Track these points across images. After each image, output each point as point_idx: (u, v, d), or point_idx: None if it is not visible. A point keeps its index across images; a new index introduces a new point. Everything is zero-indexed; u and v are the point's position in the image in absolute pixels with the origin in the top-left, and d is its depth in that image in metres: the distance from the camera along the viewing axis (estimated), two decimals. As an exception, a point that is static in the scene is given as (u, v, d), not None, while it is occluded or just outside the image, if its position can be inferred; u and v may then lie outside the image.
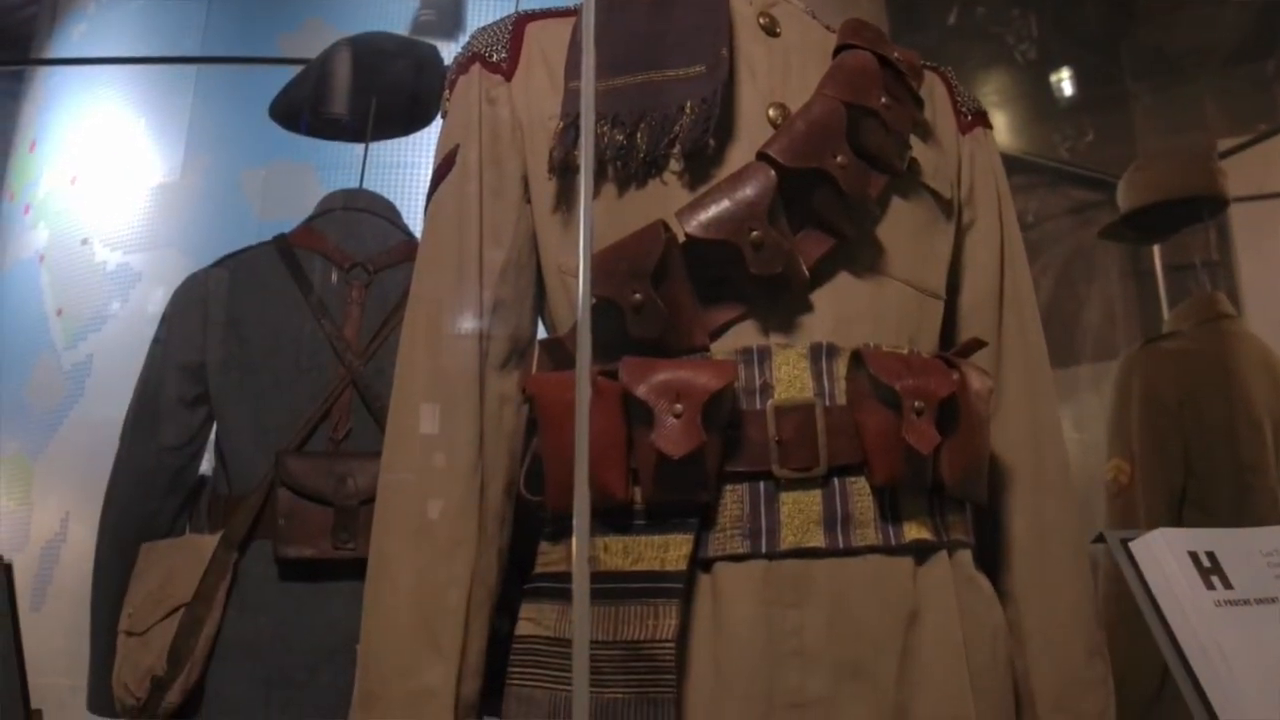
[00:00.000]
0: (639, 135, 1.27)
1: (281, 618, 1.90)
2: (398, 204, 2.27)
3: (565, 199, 1.33)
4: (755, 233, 1.21)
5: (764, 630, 1.17)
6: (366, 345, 2.01)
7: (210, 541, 1.93)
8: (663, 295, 1.20)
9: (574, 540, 0.93)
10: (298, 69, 2.35)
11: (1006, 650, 1.32)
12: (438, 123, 2.31)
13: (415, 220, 2.22)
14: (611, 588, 1.17)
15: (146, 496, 2.11)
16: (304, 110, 2.30)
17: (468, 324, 1.32)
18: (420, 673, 1.25)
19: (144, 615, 1.92)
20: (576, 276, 1.26)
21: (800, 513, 1.19)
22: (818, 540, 1.18)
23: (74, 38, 4.81)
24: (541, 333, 1.40)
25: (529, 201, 1.36)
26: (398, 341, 1.89)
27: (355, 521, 1.88)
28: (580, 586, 0.90)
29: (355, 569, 1.83)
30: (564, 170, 1.32)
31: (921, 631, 1.21)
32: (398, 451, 1.33)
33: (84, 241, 4.25)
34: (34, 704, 1.85)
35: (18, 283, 4.49)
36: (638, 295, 1.20)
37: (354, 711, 1.29)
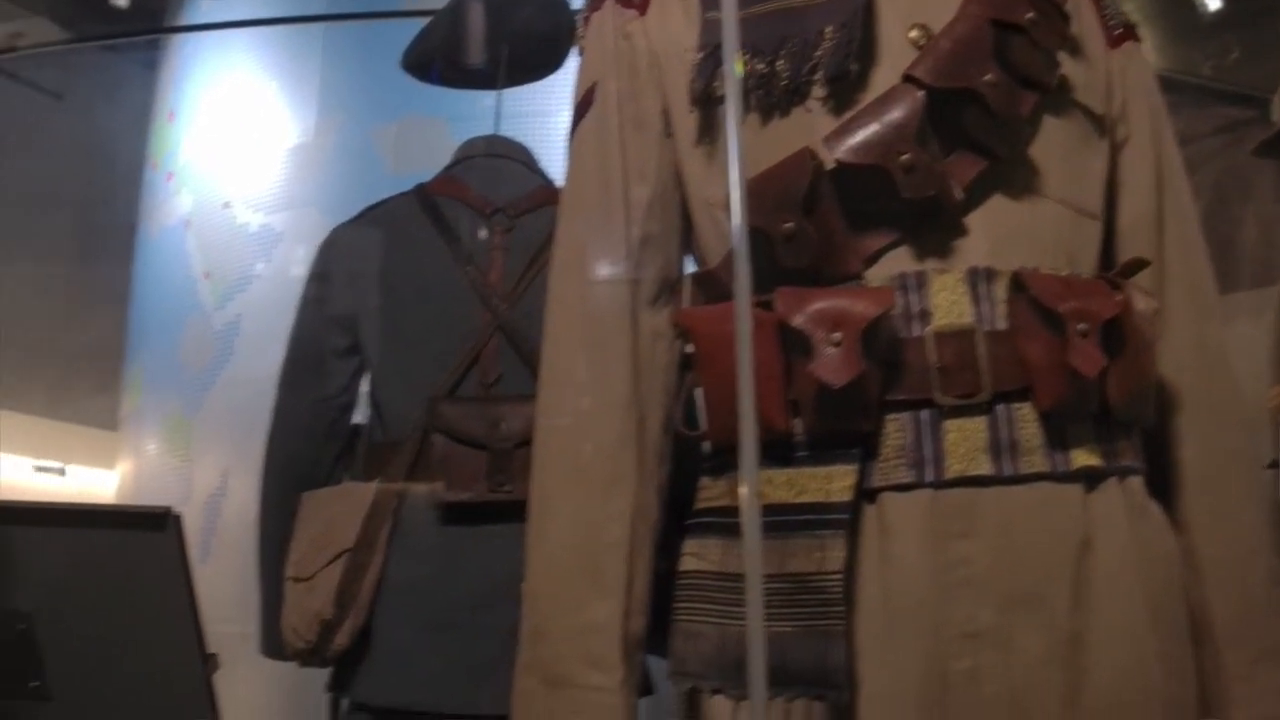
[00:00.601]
0: (780, 63, 1.25)
1: (442, 561, 1.93)
2: (533, 151, 2.28)
3: (707, 131, 1.32)
4: (905, 156, 1.18)
5: (932, 560, 1.15)
6: (512, 290, 2.02)
7: (369, 488, 1.97)
8: (813, 223, 1.19)
9: (742, 473, 0.92)
10: (425, 21, 2.35)
11: (1181, 579, 1.29)
12: (569, 67, 2.32)
13: (551, 166, 2.22)
14: (777, 520, 1.16)
15: (305, 447, 2.16)
16: (436, 60, 2.30)
17: (616, 261, 1.32)
18: (586, 608, 1.26)
19: (309, 561, 1.96)
20: (724, 209, 1.25)
21: (965, 440, 1.17)
22: (984, 468, 1.16)
23: (203, 5, 4.90)
24: (690, 268, 1.39)
25: (670, 135, 1.35)
26: (543, 286, 1.90)
27: (511, 464, 1.89)
28: (751, 519, 0.89)
29: (512, 511, 1.85)
30: (705, 102, 1.30)
31: (1093, 560, 1.18)
32: (553, 392, 1.34)
33: (226, 205, 4.35)
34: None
35: (166, 248, 4.62)
36: (788, 224, 1.18)
37: (522, 648, 1.31)
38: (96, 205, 5.89)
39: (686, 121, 1.33)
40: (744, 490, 0.90)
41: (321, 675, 2.05)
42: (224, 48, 4.73)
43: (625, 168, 1.34)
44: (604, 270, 1.32)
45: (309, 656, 1.97)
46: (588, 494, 1.28)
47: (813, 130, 1.23)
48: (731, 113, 1.01)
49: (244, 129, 4.47)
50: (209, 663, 1.93)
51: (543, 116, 2.93)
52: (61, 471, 6.86)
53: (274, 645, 2.10)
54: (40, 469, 6.69)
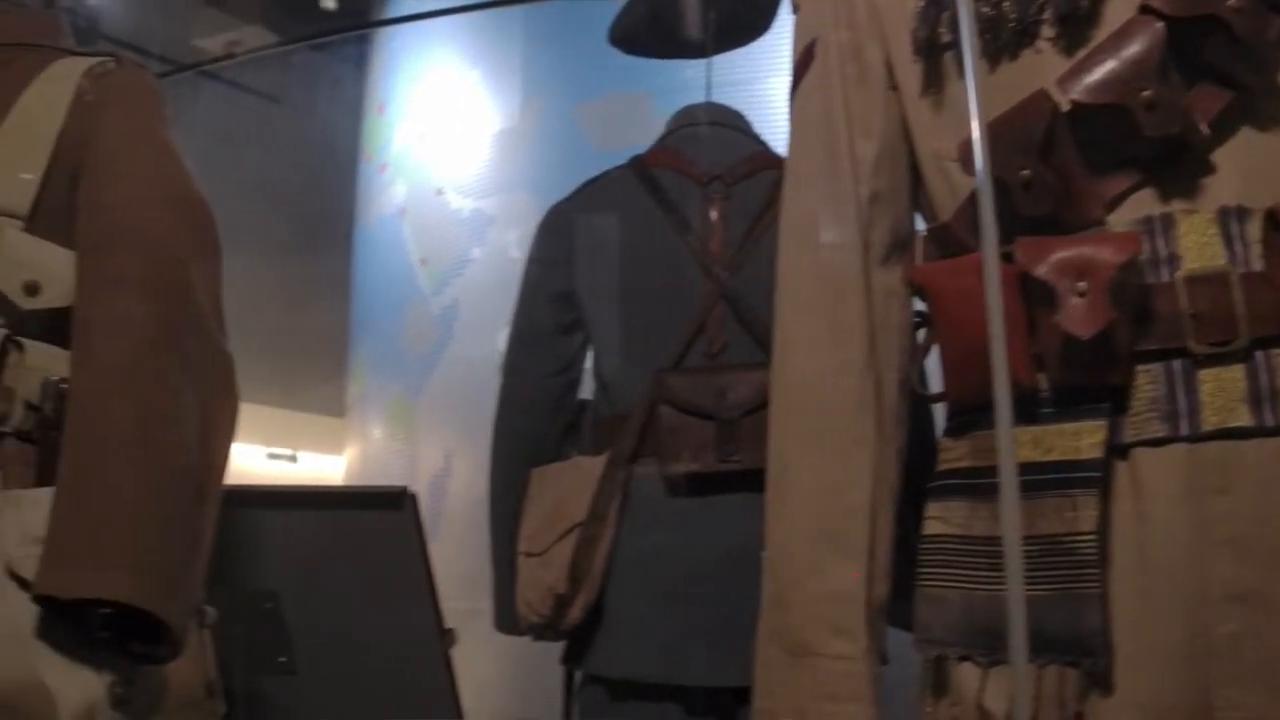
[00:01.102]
0: (1006, 4, 1.20)
1: (672, 533, 1.93)
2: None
3: (933, 80, 1.28)
4: (1146, 92, 1.12)
5: (1190, 518, 1.09)
6: (733, 258, 2.00)
7: (598, 463, 1.98)
8: (1052, 168, 1.14)
9: (997, 431, 0.89)
10: (623, -2, 2.35)
11: None
12: (776, 31, 2.29)
13: (761, 132, 2.20)
14: (1024, 480, 1.11)
15: (533, 424, 2.18)
16: (643, 31, 2.30)
17: (846, 221, 1.29)
18: (828, 575, 1.24)
19: (541, 536, 1.99)
20: (954, 160, 1.21)
21: (1223, 391, 1.10)
22: (1244, 419, 1.10)
23: (405, 0, 5.02)
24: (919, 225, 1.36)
25: (894, 88, 1.31)
26: (764, 252, 1.88)
27: (738, 434, 1.88)
28: (1007, 479, 0.85)
29: (741, 481, 1.86)
30: (929, 50, 1.27)
31: None
32: (788, 355, 1.32)
33: (438, 192, 4.45)
34: (442, 625, 1.96)
35: (383, 237, 4.76)
36: (1025, 171, 1.13)
37: (764, 616, 1.29)
38: (316, 199, 6.11)
39: (911, 72, 1.29)
40: (1001, 447, 0.86)
41: (553, 649, 2.08)
42: (428, 39, 4.84)
43: (850, 124, 1.31)
44: (833, 231, 1.29)
45: (543, 631, 2.00)
46: (828, 458, 1.26)
47: (1043, 72, 1.18)
48: (969, 58, 0.97)
49: (452, 117, 4.56)
50: (446, 637, 1.98)
51: (750, 84, 2.90)
52: (293, 458, 7.16)
53: (508, 620, 2.14)
54: (272, 456, 6.99)
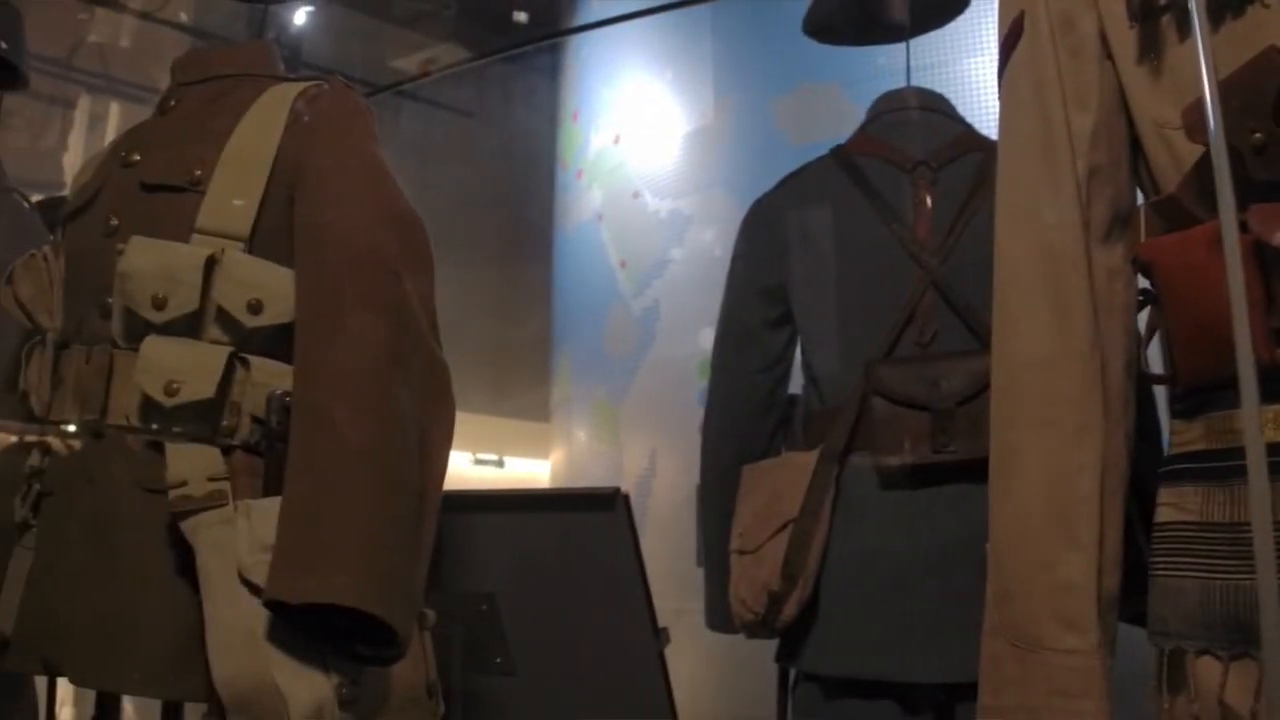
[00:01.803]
0: None
1: (887, 527, 1.88)
2: (948, 100, 2.19)
3: (1152, 45, 1.22)
4: None
5: None
6: (941, 244, 1.94)
7: (809, 457, 1.95)
8: (1287, 130, 1.07)
9: (1243, 410, 0.83)
10: (809, -13, 2.32)
11: None
12: (971, 11, 2.23)
13: (965, 114, 2.14)
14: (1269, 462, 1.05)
15: (743, 420, 2.17)
16: (839, 20, 2.26)
17: (1064, 197, 1.24)
18: (1058, 566, 1.19)
19: (754, 533, 1.97)
20: (1178, 128, 1.15)
21: None
22: None
23: (593, 6, 5.07)
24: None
25: (1109, 57, 1.26)
26: (974, 236, 1.83)
27: (953, 424, 1.83)
28: (1255, 460, 0.80)
29: (957, 472, 1.81)
30: (1145, 14, 1.21)
31: None
32: (1009, 340, 1.28)
33: (635, 195, 4.48)
34: (653, 624, 1.96)
35: (583, 242, 4.81)
36: (1258, 134, 1.07)
37: (989, 610, 1.25)
38: (515, 209, 6.23)
39: (1126, 39, 1.23)
40: (1248, 428, 0.81)
41: (761, 647, 2.06)
42: (618, 44, 4.88)
43: (1064, 98, 1.26)
44: (1052, 210, 1.24)
45: (757, 628, 1.98)
46: (1054, 446, 1.21)
47: (1272, 28, 1.11)
48: (1199, 14, 0.91)
49: (645, 119, 4.59)
50: (660, 636, 1.97)
51: (947, 65, 2.85)
52: (500, 463, 7.30)
53: (720, 619, 2.13)
54: (479, 461, 7.14)
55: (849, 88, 3.41)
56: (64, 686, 1.65)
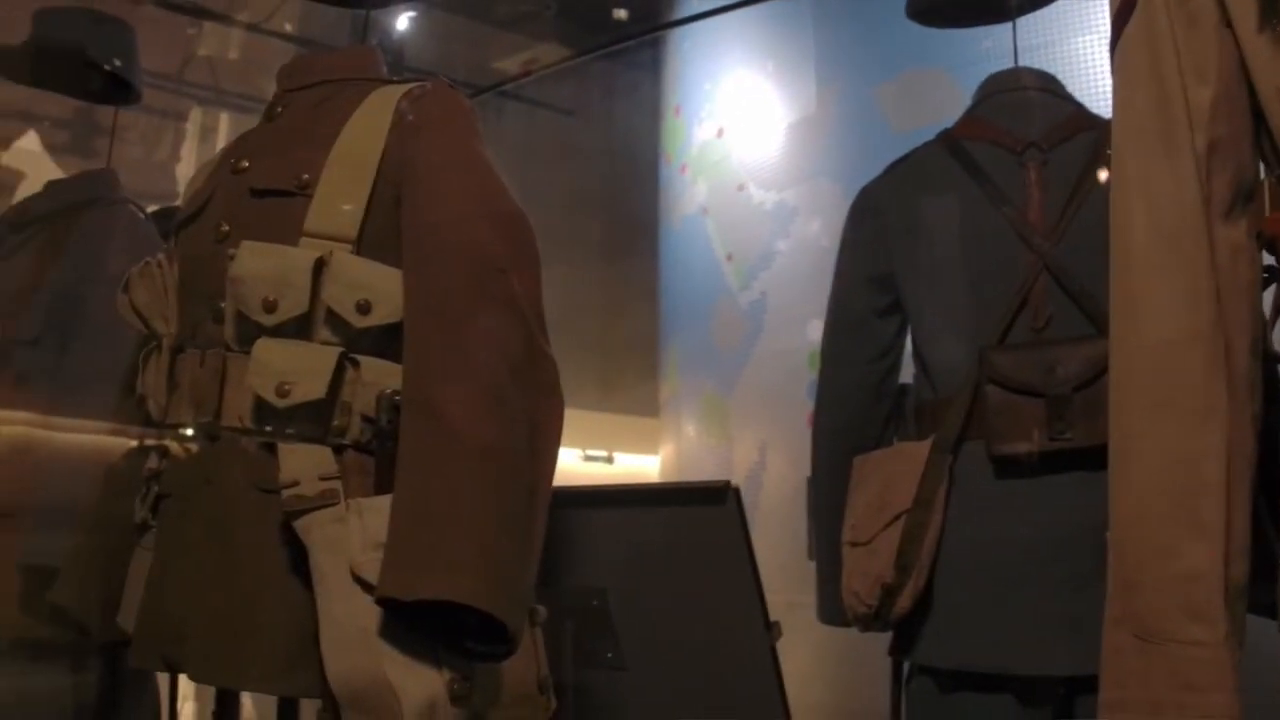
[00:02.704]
0: None
1: (1003, 517, 1.85)
2: (1058, 80, 2.14)
3: (1273, 11, 1.17)
4: None
5: None
6: (1054, 226, 1.90)
7: (922, 447, 1.92)
8: None
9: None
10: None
11: None
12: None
13: (1075, 94, 2.09)
14: None
15: (854, 411, 2.15)
16: (943, 3, 2.22)
17: (1184, 173, 1.20)
18: (1182, 554, 1.16)
19: (866, 525, 1.94)
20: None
21: None
22: None
23: (693, 1, 5.06)
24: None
25: (1228, 25, 1.21)
26: (1087, 218, 1.78)
27: (1069, 410, 1.79)
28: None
29: (1074, 459, 1.78)
30: None
31: None
32: (1128, 321, 1.24)
33: (740, 188, 4.46)
34: (767, 617, 1.95)
35: (688, 236, 4.80)
36: None
37: (1111, 600, 1.22)
38: (621, 205, 6.24)
39: (1246, 6, 1.19)
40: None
41: (871, 640, 2.03)
42: (718, 36, 4.86)
43: (1181, 70, 1.22)
44: (1170, 186, 1.20)
45: (870, 621, 1.95)
46: (1177, 430, 1.18)
47: None
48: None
49: (747, 111, 4.57)
50: (772, 630, 1.96)
51: (1055, 45, 2.79)
52: (609, 459, 7.33)
53: (833, 611, 2.10)
54: (589, 458, 7.18)
55: (954, 72, 3.35)
56: (185, 683, 1.69)
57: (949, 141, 2.06)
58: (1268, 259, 1.22)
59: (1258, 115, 1.22)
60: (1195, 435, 1.17)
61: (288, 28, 5.20)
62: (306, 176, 1.63)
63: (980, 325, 1.91)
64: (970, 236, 1.97)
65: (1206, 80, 1.21)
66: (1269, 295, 1.24)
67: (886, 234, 2.08)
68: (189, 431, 1.65)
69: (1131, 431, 1.21)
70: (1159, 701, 1.16)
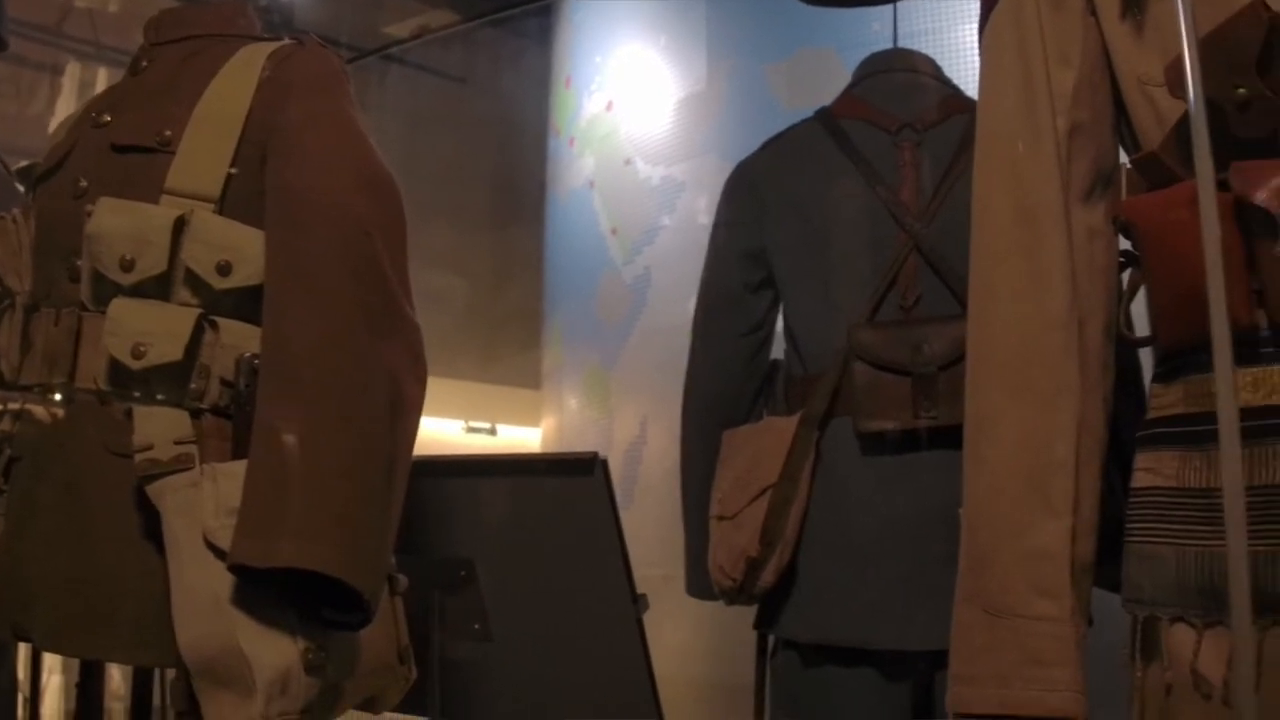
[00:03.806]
0: None
1: (867, 493, 1.87)
2: (936, 63, 2.16)
3: (1135, 1, 1.19)
4: None
5: None
6: (926, 207, 1.92)
7: (790, 423, 1.93)
8: (1271, 86, 1.04)
9: (1216, 373, 0.81)
10: (810, -50, 2.28)
11: None
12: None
13: (955, 81, 2.11)
14: (1244, 426, 1.02)
15: (724, 385, 2.15)
16: (828, -17, 2.23)
17: (1044, 155, 1.21)
18: (1032, 532, 1.18)
19: (733, 499, 1.95)
20: (1160, 85, 1.12)
21: None
22: None
23: (585, -30, 5.03)
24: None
25: (1093, 13, 1.23)
26: (959, 200, 1.80)
27: (935, 389, 1.81)
28: (1228, 425, 0.78)
29: (938, 438, 1.80)
30: None
31: None
32: (985, 302, 1.25)
33: (627, 162, 4.44)
34: (634, 591, 1.95)
35: (574, 210, 4.78)
36: (1241, 90, 1.05)
37: (962, 578, 1.24)
38: (507, 175, 6.20)
39: None
40: (1221, 391, 0.79)
41: (746, 614, 2.05)
42: (610, 9, 4.83)
43: (1045, 54, 1.23)
44: (1030, 168, 1.22)
45: (735, 595, 1.96)
46: (1030, 410, 1.19)
47: None
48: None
49: (638, 85, 4.55)
50: (639, 603, 1.96)
51: (938, 32, 2.81)
52: (492, 431, 7.29)
53: (701, 585, 2.11)
54: (471, 429, 7.13)
55: (843, 53, 3.36)
56: (51, 655, 1.64)
57: (826, 120, 2.06)
58: (1124, 243, 1.23)
59: (1119, 101, 1.24)
60: (1048, 415, 1.18)
61: (172, -17, 5.07)
62: (169, 133, 1.59)
63: (850, 303, 1.93)
64: (843, 214, 1.98)
65: (1070, 64, 1.23)
66: (1124, 279, 1.26)
67: (760, 210, 2.08)
68: (44, 393, 1.60)
69: (986, 410, 1.23)
70: (1006, 675, 1.18)
